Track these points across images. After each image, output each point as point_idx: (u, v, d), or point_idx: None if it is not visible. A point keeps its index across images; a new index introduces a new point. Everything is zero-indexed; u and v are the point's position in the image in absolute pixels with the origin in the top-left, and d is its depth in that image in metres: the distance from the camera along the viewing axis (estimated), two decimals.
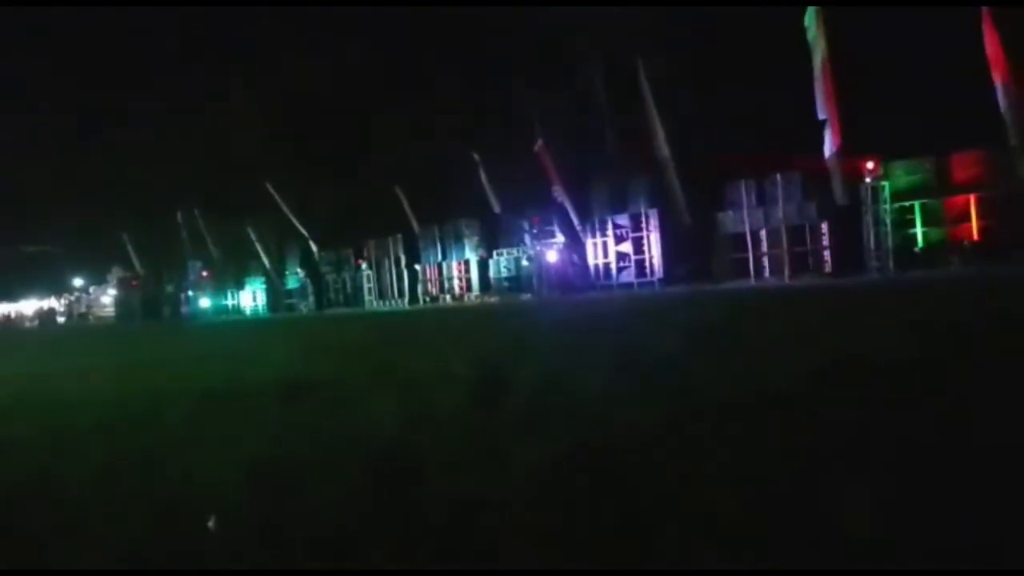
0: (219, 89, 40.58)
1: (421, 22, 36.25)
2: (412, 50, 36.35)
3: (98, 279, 56.69)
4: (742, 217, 25.99)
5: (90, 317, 55.02)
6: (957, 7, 19.81)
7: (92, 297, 57.11)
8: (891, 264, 22.55)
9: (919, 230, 22.67)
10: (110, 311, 53.08)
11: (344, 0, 37.96)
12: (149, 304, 49.09)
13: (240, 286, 47.58)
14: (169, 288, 50.38)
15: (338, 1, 37.89)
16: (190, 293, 49.03)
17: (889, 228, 22.84)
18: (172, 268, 50.36)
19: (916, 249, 22.60)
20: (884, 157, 22.86)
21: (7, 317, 61.82)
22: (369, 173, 36.47)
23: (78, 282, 59.20)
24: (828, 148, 23.22)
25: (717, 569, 1.89)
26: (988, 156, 21.11)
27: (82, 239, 52.61)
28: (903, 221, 22.86)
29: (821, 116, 23.15)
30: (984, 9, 19.45)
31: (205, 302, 48.21)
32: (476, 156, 33.08)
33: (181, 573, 2.13)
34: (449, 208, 35.04)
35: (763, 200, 25.59)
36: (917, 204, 22.61)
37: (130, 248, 51.19)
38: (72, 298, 60.51)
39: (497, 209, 33.60)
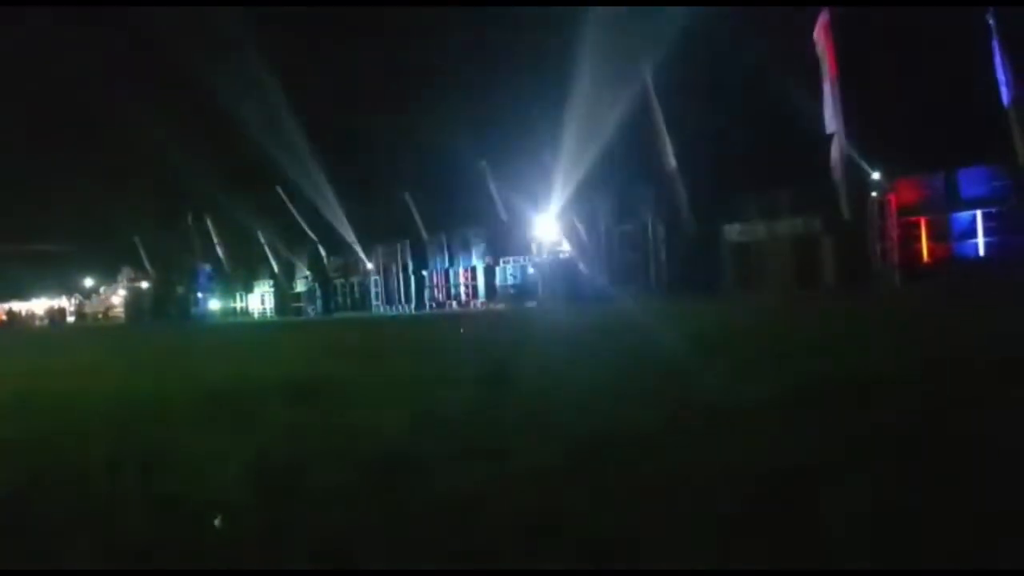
0: (230, 92, 40.79)
1: (432, 28, 36.48)
2: (423, 56, 36.55)
3: (108, 279, 57.04)
4: (747, 229, 26.03)
5: (99, 316, 55.36)
6: (967, 25, 19.84)
7: (102, 297, 57.47)
8: (897, 279, 22.52)
9: (924, 245, 22.65)
10: (120, 312, 53.39)
11: (355, 3, 38.20)
12: (158, 305, 49.37)
13: (249, 289, 47.85)
14: (179, 290, 50.65)
15: (350, 4, 38.13)
16: (199, 295, 49.31)
17: (895, 243, 22.83)
18: (182, 270, 50.64)
19: (922, 264, 22.57)
20: (891, 172, 22.86)
21: (19, 315, 62.14)
22: (379, 179, 36.69)
23: (88, 282, 59.57)
24: (835, 161, 23.23)
25: (717, 569, 1.90)
26: (995, 173, 21.09)
27: (93, 239, 52.99)
28: (909, 236, 22.84)
29: (829, 129, 23.17)
30: (993, 28, 19.48)
31: (214, 304, 48.50)
32: (484, 164, 33.23)
33: (181, 573, 2.11)
34: (457, 215, 35.22)
35: (769, 212, 25.60)
36: (923, 219, 22.59)
37: (141, 249, 51.49)
38: (82, 298, 60.87)
39: (504, 217, 33.73)
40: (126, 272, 52.75)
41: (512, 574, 1.97)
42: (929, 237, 22.61)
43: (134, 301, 51.55)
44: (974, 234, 21.56)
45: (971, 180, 21.70)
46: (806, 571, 1.88)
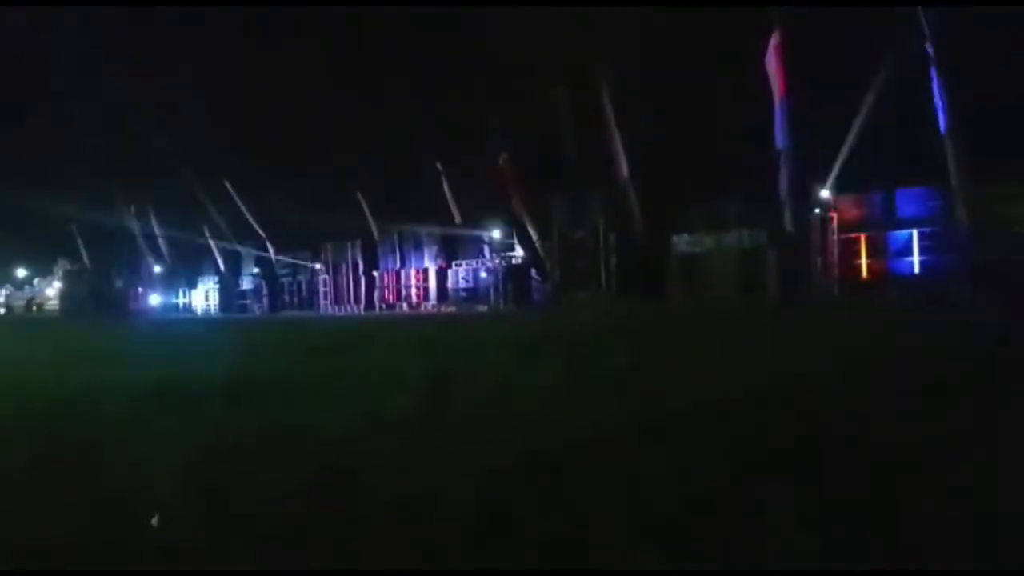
0: (180, 84, 39.90)
1: (391, 29, 36.29)
2: (380, 56, 36.34)
3: (43, 270, 55.00)
4: (696, 239, 26.72)
5: (33, 308, 53.35)
6: (909, 53, 20.78)
7: (36, 289, 55.38)
8: (836, 292, 23.42)
9: (863, 261, 23.61)
10: (55, 304, 51.63)
11: (311, 2, 37.73)
12: (96, 299, 47.89)
13: (192, 284, 46.82)
14: (119, 283, 49.23)
15: (304, 2, 37.64)
16: (139, 289, 48.04)
17: (836, 258, 23.76)
18: (122, 263, 49.22)
19: (860, 279, 23.53)
20: (833, 189, 23.77)
21: None
22: (331, 177, 36.33)
23: (21, 272, 57.30)
24: (782, 178, 24.02)
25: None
26: (931, 194, 22.13)
27: (28, 227, 50.94)
28: (849, 252, 23.79)
29: (779, 146, 23.93)
30: (932, 56, 20.48)
31: (155, 299, 47.32)
32: (439, 166, 33.27)
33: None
34: (410, 216, 35.13)
35: (717, 224, 26.31)
36: (863, 236, 23.56)
37: (79, 240, 49.82)
38: (13, 289, 58.52)
39: (458, 219, 33.81)
40: (62, 263, 50.94)
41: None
42: (868, 253, 23.59)
43: (70, 294, 49.91)
44: (910, 252, 22.59)
45: (908, 200, 22.74)
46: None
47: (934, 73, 20.40)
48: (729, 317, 15.67)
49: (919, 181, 22.00)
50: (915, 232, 22.45)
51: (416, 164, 33.68)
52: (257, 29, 39.69)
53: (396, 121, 34.53)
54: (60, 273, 51.24)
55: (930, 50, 20.42)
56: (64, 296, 50.65)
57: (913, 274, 22.46)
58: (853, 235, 23.70)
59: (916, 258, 22.51)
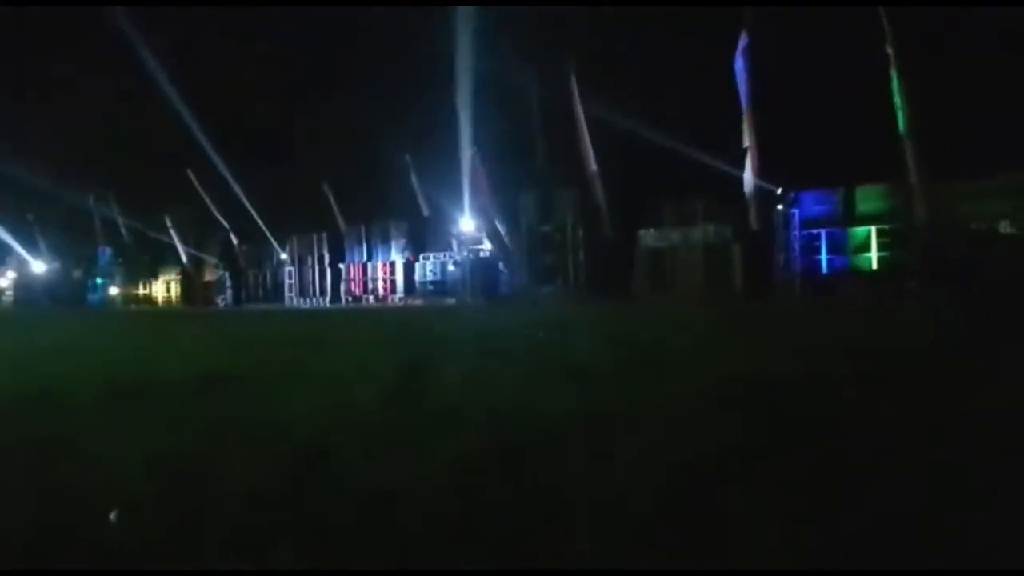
0: (143, 73, 39.19)
1: (360, 21, 36.12)
2: (349, 48, 36.17)
3: None
4: (662, 234, 27.05)
5: None
6: (870, 55, 21.37)
7: None
8: (797, 286, 23.95)
9: (824, 257, 24.18)
10: (9, 295, 50.28)
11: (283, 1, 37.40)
12: (52, 290, 46.79)
13: (154, 276, 45.94)
14: (75, 274, 48.13)
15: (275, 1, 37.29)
16: (98, 280, 47.00)
17: (797, 253, 24.29)
18: (79, 253, 48.11)
19: (820, 274, 24.09)
20: (796, 187, 24.31)
21: None
22: (297, 169, 36.02)
23: None
24: (748, 175, 24.52)
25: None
26: (889, 191, 22.76)
27: None
28: (810, 247, 24.34)
29: (745, 144, 24.41)
30: (891, 58, 21.11)
31: (114, 291, 46.35)
32: (408, 158, 33.18)
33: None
34: (377, 209, 34.98)
35: (683, 220, 26.68)
36: (823, 232, 24.12)
37: (36, 230, 48.52)
38: None
39: (426, 212, 33.78)
40: (17, 253, 49.50)
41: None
42: (828, 249, 24.15)
43: (25, 284, 48.68)
44: (868, 248, 23.19)
45: (867, 197, 23.35)
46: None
47: (894, 73, 21.01)
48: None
49: (879, 178, 22.63)
50: (874, 228, 23.05)
51: (384, 156, 33.53)
52: (226, 19, 39.19)
53: (365, 114, 34.39)
54: (15, 263, 49.88)
55: (890, 51, 21.05)
56: (18, 287, 49.41)
57: (872, 269, 23.07)
58: (814, 231, 24.25)
59: (875, 254, 23.12)
